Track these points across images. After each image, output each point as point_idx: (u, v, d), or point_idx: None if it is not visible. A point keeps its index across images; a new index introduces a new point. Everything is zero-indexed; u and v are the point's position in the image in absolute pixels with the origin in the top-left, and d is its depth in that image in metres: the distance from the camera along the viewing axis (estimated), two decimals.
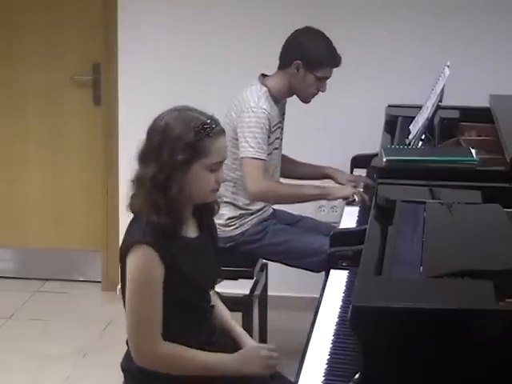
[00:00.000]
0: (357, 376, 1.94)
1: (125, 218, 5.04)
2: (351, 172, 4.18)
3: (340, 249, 2.95)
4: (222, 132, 2.56)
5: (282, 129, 3.96)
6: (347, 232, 3.20)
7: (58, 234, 5.16)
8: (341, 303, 2.64)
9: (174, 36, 4.74)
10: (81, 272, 5.20)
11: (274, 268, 4.18)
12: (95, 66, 4.91)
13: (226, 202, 3.79)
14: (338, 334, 2.43)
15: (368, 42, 4.57)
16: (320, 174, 4.12)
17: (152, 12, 4.73)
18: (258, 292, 4.04)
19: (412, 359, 1.90)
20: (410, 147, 3.53)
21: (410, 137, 3.62)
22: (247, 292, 3.94)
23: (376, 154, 3.69)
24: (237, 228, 3.86)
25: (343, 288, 2.75)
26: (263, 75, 3.88)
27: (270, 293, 4.30)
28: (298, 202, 3.95)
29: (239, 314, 3.65)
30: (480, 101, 3.90)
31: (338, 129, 4.63)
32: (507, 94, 3.97)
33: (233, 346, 2.70)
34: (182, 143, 2.46)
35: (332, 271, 2.88)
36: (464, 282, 2.08)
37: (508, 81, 4.37)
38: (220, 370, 2.55)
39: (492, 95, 3.95)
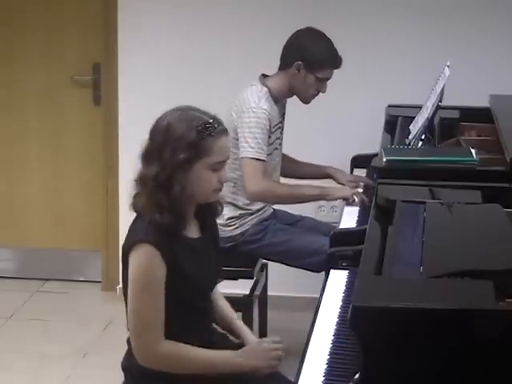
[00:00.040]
0: (357, 376, 1.94)
1: (125, 217, 5.05)
2: (351, 172, 4.19)
3: (340, 249, 2.95)
4: (225, 132, 2.56)
5: (283, 129, 3.96)
6: (347, 232, 3.20)
7: (58, 234, 5.16)
8: (341, 303, 2.64)
9: (174, 36, 4.74)
10: (81, 272, 5.20)
11: (274, 268, 4.18)
12: (95, 66, 4.91)
13: (225, 202, 3.78)
14: (337, 334, 2.43)
15: (368, 42, 4.57)
16: (321, 173, 4.12)
17: (152, 12, 4.73)
18: (257, 292, 4.04)
19: (412, 359, 1.90)
20: (409, 147, 3.53)
21: (410, 137, 3.62)
22: (247, 292, 3.95)
23: (376, 154, 3.69)
24: (237, 228, 3.86)
25: (343, 288, 2.75)
26: (264, 75, 3.88)
27: (269, 293, 4.31)
28: (298, 203, 3.95)
29: (239, 314, 3.61)
30: (480, 101, 3.90)
31: (338, 129, 4.64)
32: (507, 94, 3.97)
33: (235, 343, 2.70)
34: (184, 142, 2.46)
35: (332, 271, 2.88)
36: (464, 282, 2.08)
37: (508, 81, 4.37)
38: (223, 367, 2.54)
39: (492, 95, 3.95)
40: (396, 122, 3.99)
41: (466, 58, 4.43)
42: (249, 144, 3.70)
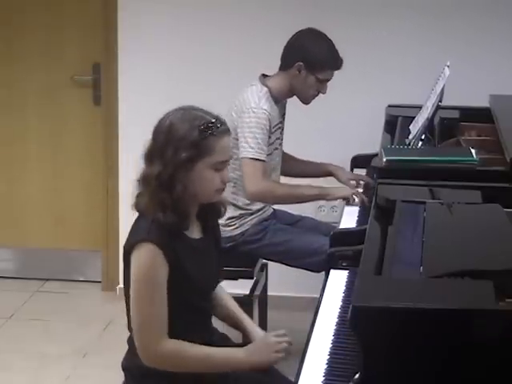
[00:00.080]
0: (357, 376, 1.94)
1: (125, 217, 5.05)
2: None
3: (340, 249, 2.95)
4: (227, 131, 2.56)
5: (283, 129, 3.97)
6: (347, 232, 3.20)
7: (58, 234, 5.16)
8: (341, 303, 2.64)
9: (174, 36, 4.74)
10: (81, 272, 5.20)
11: (274, 268, 4.18)
12: (95, 66, 4.92)
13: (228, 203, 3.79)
14: (337, 334, 2.43)
15: (368, 42, 4.57)
16: (322, 171, 4.12)
17: (152, 12, 4.73)
18: (257, 292, 4.04)
19: (412, 359, 1.90)
20: (409, 147, 3.53)
21: (410, 137, 3.62)
22: (247, 292, 3.94)
23: (376, 154, 3.69)
24: (237, 228, 3.86)
25: (343, 288, 2.75)
26: (264, 75, 3.88)
27: (269, 293, 4.31)
28: (297, 203, 3.95)
29: None
30: (480, 101, 3.90)
31: (338, 129, 4.64)
32: (507, 94, 3.97)
33: (235, 344, 2.70)
34: (186, 141, 2.47)
35: (332, 271, 2.88)
36: (464, 282, 2.08)
37: (508, 81, 4.37)
38: (226, 364, 2.53)
39: (492, 95, 3.96)
40: (396, 122, 3.99)
41: (466, 58, 4.43)
42: (249, 144, 3.70)
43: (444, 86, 3.57)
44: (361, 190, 3.89)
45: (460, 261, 2.25)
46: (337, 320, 2.53)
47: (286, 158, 4.08)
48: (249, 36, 4.66)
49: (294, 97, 3.90)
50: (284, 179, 4.06)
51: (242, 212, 3.87)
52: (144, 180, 2.54)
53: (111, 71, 4.84)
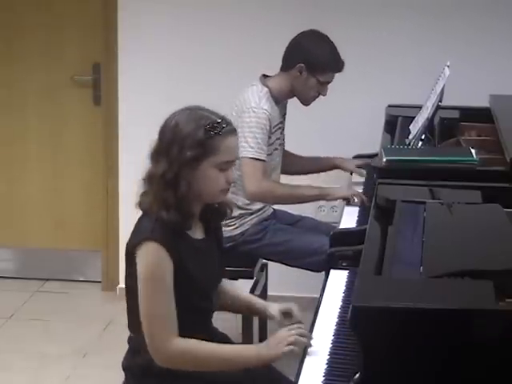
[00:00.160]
0: (357, 376, 1.94)
1: (125, 217, 5.06)
2: (351, 173, 4.19)
3: (340, 249, 2.95)
4: (233, 132, 2.56)
5: (283, 129, 3.97)
6: (347, 232, 3.20)
7: (58, 234, 5.16)
8: (341, 303, 2.64)
9: (174, 36, 4.74)
10: (81, 272, 5.20)
11: (274, 268, 4.18)
12: (95, 66, 4.92)
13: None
14: (338, 334, 2.43)
15: (368, 42, 4.57)
16: (328, 165, 4.15)
17: (152, 12, 4.73)
18: (258, 292, 4.04)
19: (412, 359, 1.90)
20: (409, 147, 3.53)
21: (410, 137, 3.62)
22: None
23: (376, 154, 3.69)
24: (237, 228, 3.86)
25: (343, 288, 2.75)
26: (264, 76, 3.88)
27: (269, 293, 4.30)
28: (297, 203, 3.95)
29: (239, 314, 3.65)
30: (480, 101, 3.90)
31: (338, 129, 4.64)
32: (507, 94, 3.97)
33: (235, 344, 2.70)
34: (191, 140, 2.47)
35: (332, 271, 2.88)
36: (464, 282, 2.08)
37: (508, 81, 4.37)
38: (239, 361, 2.49)
39: (492, 95, 3.96)
40: (396, 122, 3.99)
41: (466, 58, 4.43)
42: (249, 144, 3.70)
43: (444, 85, 3.57)
44: (361, 190, 3.89)
45: (460, 261, 2.25)
46: (337, 320, 2.53)
47: (290, 157, 4.09)
48: (249, 36, 4.66)
49: (295, 97, 3.90)
50: (288, 177, 4.06)
51: (242, 212, 3.87)
52: (149, 179, 2.54)
53: (111, 71, 4.84)
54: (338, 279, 2.82)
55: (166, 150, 2.49)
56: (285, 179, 4.05)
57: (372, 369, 1.91)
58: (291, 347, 2.40)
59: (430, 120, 3.59)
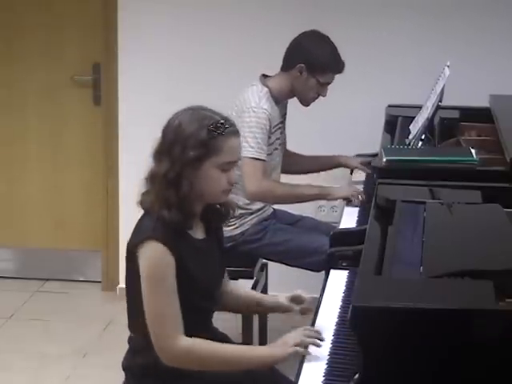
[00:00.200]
0: (357, 376, 1.94)
1: (125, 218, 5.06)
2: (351, 173, 4.19)
3: (340, 249, 2.95)
4: (236, 133, 2.57)
5: (283, 129, 3.97)
6: (347, 232, 3.20)
7: (58, 234, 5.16)
8: (341, 303, 2.64)
9: (174, 36, 4.74)
10: (81, 272, 5.20)
11: (274, 268, 4.18)
12: (95, 66, 4.92)
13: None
14: (337, 334, 2.43)
15: (368, 42, 4.57)
16: (332, 163, 4.15)
17: (152, 12, 4.73)
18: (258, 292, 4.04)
19: (412, 359, 1.90)
20: (409, 147, 3.53)
21: (410, 137, 3.62)
22: None
23: (376, 154, 3.69)
24: (237, 228, 3.86)
25: (343, 288, 2.75)
26: (264, 76, 3.88)
27: (270, 293, 4.30)
28: (297, 202, 3.95)
29: (239, 314, 3.65)
30: (480, 101, 3.90)
31: (338, 129, 4.63)
32: (507, 94, 3.97)
33: (235, 344, 2.70)
34: (194, 140, 2.47)
35: (332, 271, 2.89)
36: (464, 282, 2.08)
37: (508, 81, 4.37)
38: (245, 361, 2.49)
39: (492, 95, 3.96)
40: (396, 122, 4.00)
41: (466, 58, 4.43)
42: (249, 144, 3.70)
43: (444, 85, 3.57)
44: (361, 190, 3.89)
45: (460, 261, 2.25)
46: (337, 320, 2.53)
47: (293, 156, 4.10)
48: (249, 36, 4.66)
49: (295, 98, 3.90)
50: (288, 177, 4.06)
51: (242, 212, 3.86)
52: (151, 178, 2.54)
53: (111, 71, 4.84)
54: (338, 279, 2.82)
55: (169, 149, 2.50)
56: (285, 179, 4.05)
57: (372, 369, 1.92)
58: (296, 348, 2.39)
59: (430, 120, 3.59)
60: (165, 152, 2.51)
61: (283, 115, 3.95)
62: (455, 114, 3.94)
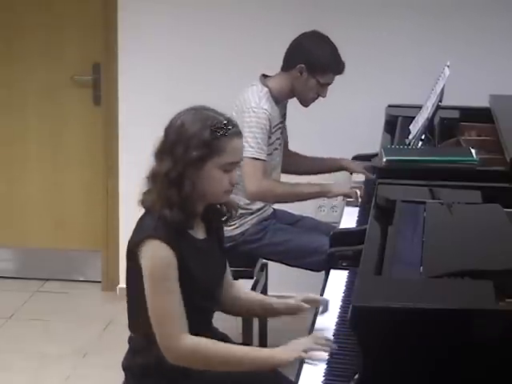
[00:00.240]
0: (357, 376, 1.94)
1: (125, 218, 5.05)
2: (351, 173, 4.19)
3: (340, 249, 2.95)
4: (239, 133, 2.57)
5: (284, 129, 3.97)
6: (347, 232, 3.20)
7: (58, 234, 5.16)
8: (341, 303, 2.64)
9: (174, 36, 4.74)
10: (81, 272, 5.20)
11: (274, 268, 4.18)
12: (95, 66, 4.92)
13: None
14: (337, 334, 2.43)
15: (368, 42, 4.57)
16: (335, 166, 4.15)
17: (152, 12, 4.73)
18: (258, 292, 4.04)
19: (412, 359, 1.90)
20: (409, 147, 3.53)
21: (410, 137, 3.62)
22: None
23: (376, 154, 3.69)
24: (237, 228, 3.86)
25: (343, 288, 2.76)
26: (264, 76, 3.88)
27: (270, 293, 4.29)
28: (298, 201, 3.95)
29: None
30: (480, 101, 3.90)
31: (338, 129, 4.64)
32: (507, 94, 3.97)
33: (236, 344, 2.70)
34: (197, 140, 2.47)
35: (332, 271, 2.89)
36: (464, 282, 2.08)
37: (508, 81, 4.37)
38: (250, 362, 2.48)
39: (492, 95, 3.96)
40: (396, 122, 3.99)
41: (466, 58, 4.43)
42: (249, 144, 3.70)
43: (444, 85, 3.57)
44: (361, 185, 3.89)
45: (460, 261, 2.25)
46: (337, 320, 2.53)
47: (295, 156, 4.10)
48: (249, 36, 4.66)
49: (295, 98, 3.90)
50: (288, 177, 4.06)
51: (242, 211, 3.86)
52: (153, 177, 2.54)
53: (111, 71, 4.84)
54: (338, 279, 2.82)
55: (171, 149, 2.50)
56: (285, 179, 4.05)
57: (372, 369, 1.92)
58: (301, 353, 2.38)
59: (430, 120, 3.59)
60: (167, 151, 2.51)
61: (283, 115, 3.95)
62: (455, 114, 3.94)
